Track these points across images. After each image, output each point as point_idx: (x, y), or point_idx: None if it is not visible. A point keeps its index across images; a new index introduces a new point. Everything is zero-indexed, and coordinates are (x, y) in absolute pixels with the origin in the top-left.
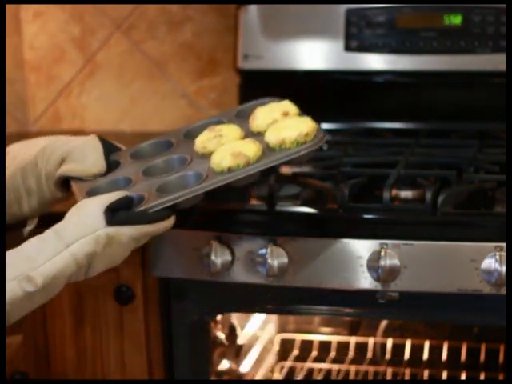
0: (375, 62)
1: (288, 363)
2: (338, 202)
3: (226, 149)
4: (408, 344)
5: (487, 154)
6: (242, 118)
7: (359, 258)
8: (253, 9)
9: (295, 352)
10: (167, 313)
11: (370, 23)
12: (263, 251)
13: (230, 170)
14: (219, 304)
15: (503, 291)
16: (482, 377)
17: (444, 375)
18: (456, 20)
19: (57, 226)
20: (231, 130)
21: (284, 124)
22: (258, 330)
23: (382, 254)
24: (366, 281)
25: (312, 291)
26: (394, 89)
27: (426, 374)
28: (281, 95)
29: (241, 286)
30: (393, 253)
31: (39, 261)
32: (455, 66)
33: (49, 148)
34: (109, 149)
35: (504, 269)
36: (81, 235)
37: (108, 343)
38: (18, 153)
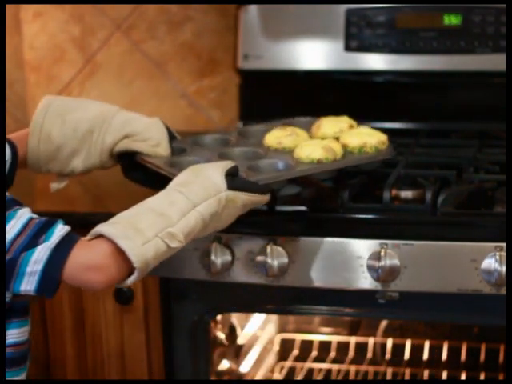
0: (375, 61)
1: (288, 363)
2: (338, 202)
3: (315, 143)
4: (408, 344)
5: (487, 153)
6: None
7: (359, 258)
8: (253, 9)
9: (295, 352)
10: (167, 313)
11: (370, 23)
12: (263, 251)
13: (318, 161)
14: (219, 304)
15: (503, 291)
16: (482, 377)
17: (444, 375)
18: (456, 20)
19: (179, 188)
20: (301, 132)
21: (363, 131)
22: (257, 329)
23: (382, 254)
24: (366, 281)
25: (312, 291)
26: (394, 89)
27: (426, 374)
28: (281, 95)
29: (241, 286)
30: (393, 253)
31: (174, 218)
32: (455, 66)
33: (107, 120)
34: (170, 134)
35: (504, 269)
36: (206, 197)
37: (108, 343)
38: (62, 112)
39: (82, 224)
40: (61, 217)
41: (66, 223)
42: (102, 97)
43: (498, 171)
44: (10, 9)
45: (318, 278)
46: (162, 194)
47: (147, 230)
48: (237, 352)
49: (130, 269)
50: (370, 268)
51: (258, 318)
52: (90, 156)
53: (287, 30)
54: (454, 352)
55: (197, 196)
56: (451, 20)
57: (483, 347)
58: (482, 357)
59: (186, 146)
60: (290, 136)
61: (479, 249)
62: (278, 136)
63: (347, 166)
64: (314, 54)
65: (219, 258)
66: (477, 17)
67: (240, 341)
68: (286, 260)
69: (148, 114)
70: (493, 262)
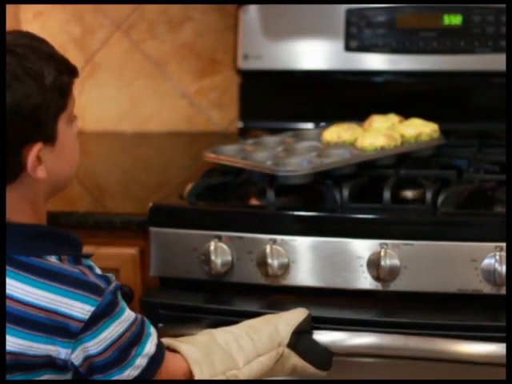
0: (375, 61)
1: None
2: (338, 202)
3: (376, 132)
4: None
5: (487, 153)
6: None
7: (359, 258)
8: (253, 9)
9: None
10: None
11: (370, 23)
12: (262, 251)
13: (381, 148)
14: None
15: (503, 291)
16: None
17: None
18: (456, 20)
19: (250, 333)
20: (357, 127)
21: (416, 122)
22: None
23: (382, 254)
24: (365, 281)
25: (312, 291)
26: (394, 89)
27: None
28: (281, 95)
29: (241, 286)
30: (393, 253)
31: (240, 364)
32: (455, 65)
33: None
34: None
35: (504, 269)
36: (270, 348)
37: None
38: None
39: (82, 224)
40: (61, 217)
41: (65, 223)
42: (102, 97)
43: (498, 171)
44: (9, 9)
45: (318, 278)
46: (235, 331)
47: (217, 364)
48: None
49: None
50: (370, 268)
51: None
52: None
53: (287, 30)
54: None
55: (263, 346)
56: (451, 20)
57: None
58: None
59: (247, 146)
60: (348, 130)
61: (479, 249)
62: (338, 130)
63: (407, 151)
64: (313, 54)
65: (219, 258)
66: (477, 17)
67: None
68: (285, 260)
69: (148, 114)
70: (493, 262)
